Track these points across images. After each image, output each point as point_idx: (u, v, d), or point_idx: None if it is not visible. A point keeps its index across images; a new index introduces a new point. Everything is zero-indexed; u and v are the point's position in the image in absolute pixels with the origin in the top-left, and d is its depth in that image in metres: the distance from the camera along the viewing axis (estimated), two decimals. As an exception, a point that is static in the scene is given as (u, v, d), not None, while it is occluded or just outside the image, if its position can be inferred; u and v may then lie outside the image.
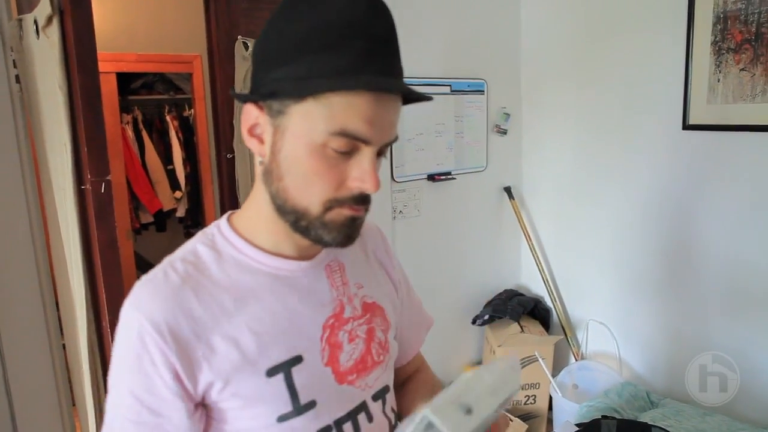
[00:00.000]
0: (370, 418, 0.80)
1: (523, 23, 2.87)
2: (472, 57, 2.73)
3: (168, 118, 3.83)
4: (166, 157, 3.84)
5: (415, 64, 2.50)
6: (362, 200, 0.69)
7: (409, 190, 2.58)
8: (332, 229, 0.69)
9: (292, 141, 0.67)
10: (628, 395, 2.31)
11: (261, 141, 0.70)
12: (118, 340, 0.70)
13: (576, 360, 2.72)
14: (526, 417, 2.61)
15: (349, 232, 0.70)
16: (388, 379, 0.85)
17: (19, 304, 1.73)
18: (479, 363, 2.95)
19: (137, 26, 3.18)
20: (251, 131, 0.71)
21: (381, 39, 0.65)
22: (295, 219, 0.69)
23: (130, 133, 3.67)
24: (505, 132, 2.90)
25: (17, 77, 1.70)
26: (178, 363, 0.66)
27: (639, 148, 2.45)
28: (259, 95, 0.68)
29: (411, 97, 0.69)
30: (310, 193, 0.67)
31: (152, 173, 3.76)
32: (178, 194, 3.83)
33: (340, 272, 0.80)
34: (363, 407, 0.79)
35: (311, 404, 0.72)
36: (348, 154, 0.66)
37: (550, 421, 2.68)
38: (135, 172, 3.65)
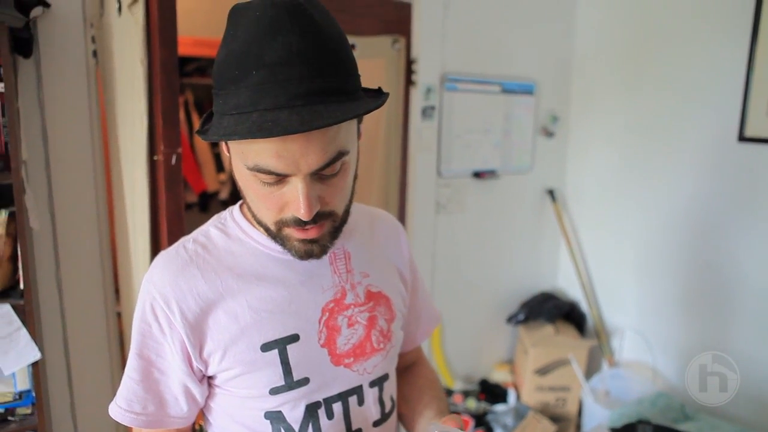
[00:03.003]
0: (360, 402, 0.83)
1: (579, 26, 2.86)
2: (524, 58, 2.74)
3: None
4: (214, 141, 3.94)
5: (465, 63, 2.52)
6: (306, 222, 0.69)
7: (454, 186, 2.60)
8: (290, 246, 0.73)
9: (235, 169, 0.72)
10: (663, 405, 2.29)
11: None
12: (136, 310, 0.78)
13: (609, 367, 2.70)
14: (554, 419, 2.61)
15: (307, 249, 0.72)
16: (389, 367, 0.88)
17: (81, 272, 1.82)
18: (510, 362, 2.96)
19: (197, 10, 3.27)
20: (225, 147, 0.73)
21: (277, 64, 0.60)
22: (264, 229, 0.74)
23: (181, 114, 3.78)
24: (552, 134, 2.90)
25: (94, 52, 1.78)
26: (185, 334, 0.74)
27: (688, 157, 2.42)
28: (200, 131, 0.70)
29: (335, 120, 0.62)
30: (262, 213, 0.72)
31: (199, 155, 3.87)
32: (222, 177, 3.93)
33: (345, 260, 0.83)
34: (356, 391, 0.82)
35: (304, 381, 0.77)
36: (280, 182, 0.67)
37: (578, 427, 2.67)
38: (183, 152, 3.75)
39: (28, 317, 1.51)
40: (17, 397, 1.57)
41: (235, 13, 0.66)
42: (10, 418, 1.57)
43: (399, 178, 2.47)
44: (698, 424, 2.17)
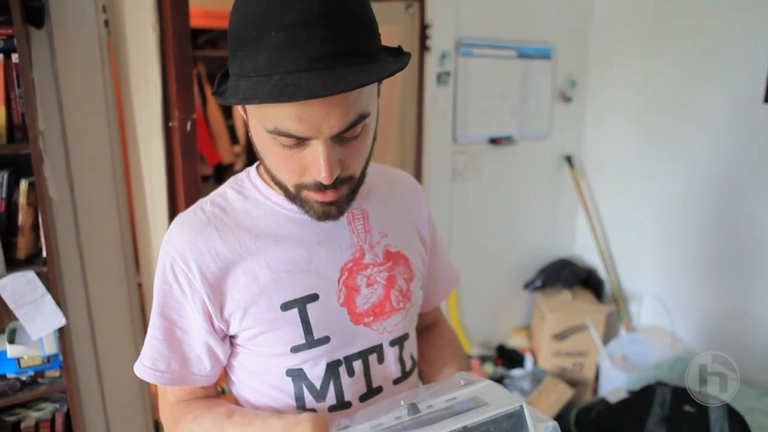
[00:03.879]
0: (381, 360, 0.84)
1: (597, -13, 2.77)
2: (541, 22, 2.67)
3: (230, 74, 3.90)
4: (227, 113, 3.94)
5: (481, 28, 2.46)
6: (327, 186, 0.68)
7: (470, 153, 2.58)
8: (309, 208, 0.72)
9: (253, 132, 0.70)
10: (681, 370, 2.29)
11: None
12: (157, 271, 0.79)
13: (627, 332, 2.69)
14: (571, 384, 2.62)
15: (325, 210, 0.72)
16: (409, 326, 0.88)
17: (101, 240, 1.86)
18: (527, 327, 2.97)
19: (208, -19, 3.24)
20: (242, 108, 0.72)
21: (297, 25, 0.58)
22: (283, 191, 0.74)
23: (194, 87, 3.78)
24: (569, 100, 2.84)
25: (106, 22, 1.78)
26: (205, 293, 0.75)
27: (710, 120, 2.35)
28: (216, 92, 0.69)
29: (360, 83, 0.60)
30: (281, 176, 0.71)
31: (214, 127, 3.87)
32: (237, 149, 3.94)
33: (364, 220, 0.83)
34: (377, 349, 0.83)
35: (324, 339, 0.77)
36: (300, 145, 0.66)
37: (595, 391, 2.68)
38: (198, 125, 3.77)
39: (51, 284, 1.54)
40: (46, 360, 1.62)
41: None
42: (39, 380, 1.63)
43: (414, 146, 2.45)
44: (717, 387, 2.17)
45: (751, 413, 1.69)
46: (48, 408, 1.69)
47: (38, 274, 1.54)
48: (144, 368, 0.78)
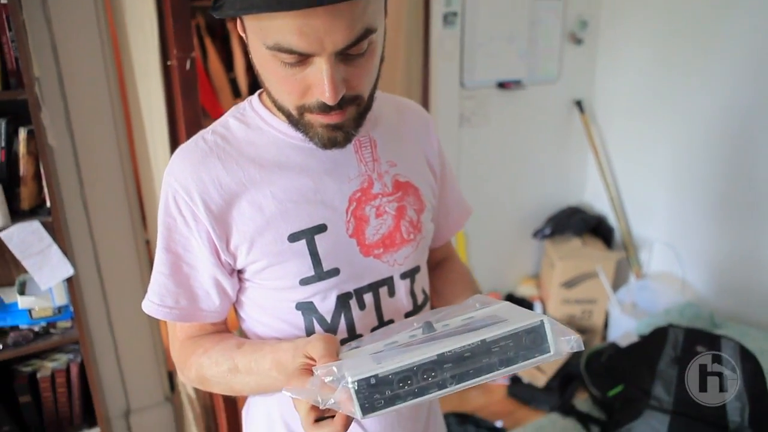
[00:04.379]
0: (391, 293, 0.81)
1: None
2: (552, -44, 2.54)
3: (230, 26, 3.79)
4: (228, 65, 3.84)
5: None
6: (331, 107, 0.64)
7: (478, 98, 2.50)
8: (313, 133, 0.68)
9: (253, 51, 0.66)
10: (691, 315, 2.28)
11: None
12: (160, 205, 0.76)
13: (637, 279, 2.68)
14: (580, 331, 2.63)
15: (331, 136, 0.68)
16: (420, 259, 0.85)
17: (104, 188, 1.83)
18: (536, 276, 2.96)
19: None
20: (241, 26, 0.67)
21: None
22: (286, 116, 0.69)
23: (194, 38, 3.67)
24: (580, 41, 2.74)
25: (97, -40, 1.70)
26: (210, 226, 0.72)
27: (728, 61, 2.26)
28: (213, 7, 0.64)
29: None
30: (283, 98, 0.67)
31: (215, 80, 3.79)
32: (239, 102, 3.86)
33: (371, 148, 0.79)
34: (387, 282, 0.80)
35: (334, 271, 0.75)
36: (302, 63, 0.62)
37: (604, 338, 2.69)
38: (199, 80, 3.68)
39: (57, 234, 1.52)
40: (57, 311, 1.63)
41: None
42: (52, 330, 1.64)
43: (420, 91, 2.38)
44: (728, 332, 2.16)
45: (761, 355, 1.69)
46: (62, 358, 1.70)
47: (43, 225, 1.52)
48: (152, 305, 0.77)
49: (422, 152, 0.88)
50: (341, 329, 0.78)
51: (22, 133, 1.50)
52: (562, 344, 0.57)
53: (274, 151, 0.74)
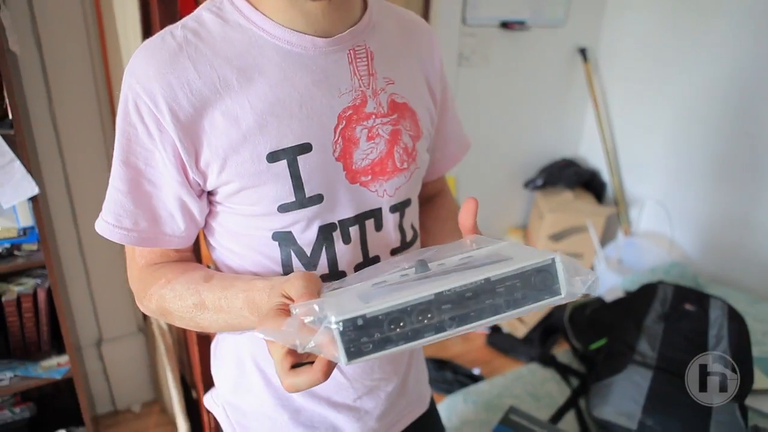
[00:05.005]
0: (378, 227, 0.73)
1: None
2: None
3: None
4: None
5: None
6: None
7: (479, 36, 2.37)
8: None
9: None
10: (676, 274, 2.26)
11: None
12: (118, 111, 0.65)
13: (625, 236, 2.65)
14: (564, 284, 2.61)
15: None
16: (412, 191, 0.77)
17: (75, 99, 1.69)
18: (524, 227, 2.92)
19: None
20: None
21: None
22: None
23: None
24: (591, -17, 2.59)
25: None
26: (177, 137, 0.62)
27: (740, 15, 2.14)
28: None
29: None
30: None
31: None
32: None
33: (368, 60, 0.69)
34: (374, 214, 0.72)
35: (317, 198, 0.67)
36: None
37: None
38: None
39: (20, 148, 1.41)
40: (22, 233, 1.53)
41: None
42: (16, 253, 1.55)
43: (420, 24, 2.23)
44: (711, 293, 2.15)
45: (744, 317, 1.67)
46: (29, 283, 1.62)
47: (5, 138, 1.40)
48: (106, 225, 0.67)
49: (423, 72, 0.77)
50: (322, 264, 0.70)
51: (-21, 35, 1.35)
52: (576, 285, 0.50)
53: (255, 52, 0.64)
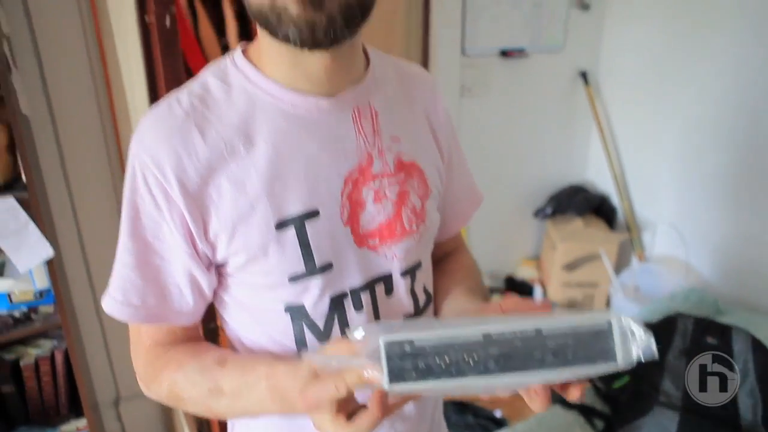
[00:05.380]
0: (389, 291, 0.72)
1: None
2: None
3: (220, -14, 3.61)
4: (220, 31, 3.68)
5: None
6: None
7: (480, 67, 2.39)
8: (288, 20, 0.55)
9: None
10: (696, 300, 2.23)
11: None
12: (125, 181, 0.65)
13: (640, 262, 2.62)
14: (580, 313, 2.58)
15: (309, 19, 0.54)
16: (423, 253, 0.76)
17: (86, 159, 1.71)
18: (537, 257, 2.90)
19: None
20: None
21: None
22: (259, 18, 0.57)
23: (182, 1, 3.49)
24: (587, 7, 2.60)
25: None
26: (185, 208, 0.62)
27: (741, 34, 2.14)
28: None
29: None
30: None
31: (206, 46, 3.62)
32: (230, 68, 3.71)
33: (372, 119, 0.68)
34: (384, 279, 0.71)
35: (327, 266, 0.66)
36: None
37: (604, 321, 2.65)
38: (188, 42, 3.51)
39: (34, 211, 1.41)
40: (38, 295, 1.53)
41: None
42: (33, 316, 1.55)
43: (420, 58, 2.26)
44: (734, 318, 2.12)
45: (768, 343, 1.64)
46: (46, 345, 1.61)
47: (19, 201, 1.41)
48: (114, 302, 0.66)
49: (429, 126, 0.77)
50: (334, 336, 0.69)
51: (-7, 101, 1.37)
52: (633, 351, 0.49)
53: (260, 117, 0.63)
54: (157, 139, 0.61)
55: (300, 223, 0.64)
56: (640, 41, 2.55)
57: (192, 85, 0.66)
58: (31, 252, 1.44)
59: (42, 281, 1.51)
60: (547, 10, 2.49)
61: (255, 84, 0.64)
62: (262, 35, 0.63)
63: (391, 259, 0.71)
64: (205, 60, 3.62)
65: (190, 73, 3.73)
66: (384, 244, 0.69)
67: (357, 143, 0.67)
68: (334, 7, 0.54)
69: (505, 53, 2.43)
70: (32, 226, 1.43)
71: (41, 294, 1.53)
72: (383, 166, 0.68)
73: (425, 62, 2.27)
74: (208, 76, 0.66)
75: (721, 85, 2.26)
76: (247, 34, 3.83)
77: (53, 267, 1.47)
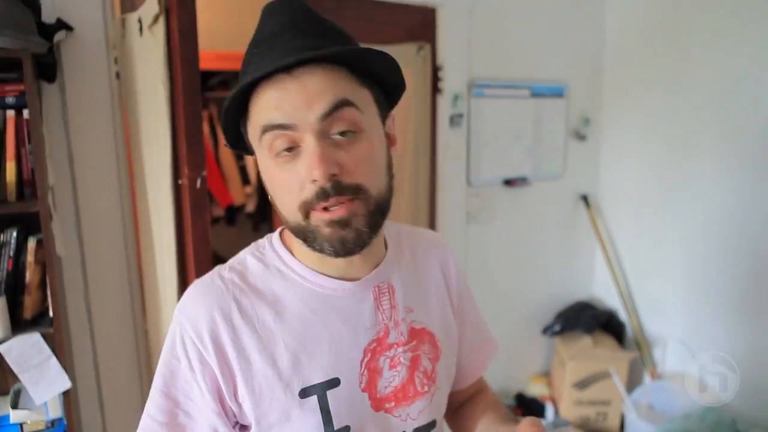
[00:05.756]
0: None
1: (608, 27, 2.76)
2: (554, 61, 2.65)
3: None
4: (239, 154, 3.93)
5: (493, 68, 2.45)
6: (328, 194, 0.62)
7: (484, 195, 2.53)
8: (321, 238, 0.65)
9: (260, 163, 0.69)
10: (712, 421, 2.18)
11: None
12: (165, 342, 0.72)
13: (652, 379, 2.58)
14: (596, 435, 2.51)
15: (339, 237, 0.64)
16: (435, 412, 0.80)
17: (110, 299, 1.81)
18: (547, 374, 2.86)
19: (219, 25, 3.27)
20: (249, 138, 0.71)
21: (273, 35, 0.65)
22: (296, 233, 0.68)
23: (206, 128, 3.78)
24: (584, 137, 2.80)
25: (117, 74, 1.77)
26: (218, 369, 0.68)
27: (733, 153, 2.29)
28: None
29: (335, 59, 0.64)
30: (286, 205, 0.66)
31: (225, 169, 3.87)
32: (248, 189, 3.91)
33: (389, 295, 0.76)
34: None
35: (344, 429, 0.71)
36: (294, 151, 0.64)
37: (620, 441, 2.56)
38: (209, 167, 3.76)
39: (58, 345, 1.49)
40: (49, 425, 1.56)
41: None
42: (42, 446, 1.56)
43: (428, 189, 2.40)
44: (752, 442, 2.06)
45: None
46: (53, 472, 1.61)
47: (44, 335, 1.49)
48: None
49: (440, 289, 0.84)
50: None
51: (32, 242, 1.50)
52: None
53: (292, 296, 0.72)
54: (197, 308, 0.70)
55: (322, 391, 0.70)
56: (636, 165, 2.71)
57: (234, 263, 0.75)
58: (50, 385, 1.50)
59: (55, 410, 1.54)
60: (547, 142, 2.69)
61: (288, 266, 0.74)
62: None
63: (405, 419, 0.76)
64: (223, 180, 3.85)
65: (208, 192, 3.90)
66: (399, 406, 0.75)
67: (376, 318, 0.74)
68: (360, 221, 0.64)
69: (508, 182, 2.58)
70: (54, 360, 1.49)
71: (53, 423, 1.56)
72: (398, 335, 0.75)
73: (433, 193, 2.41)
74: (247, 255, 0.76)
75: (720, 202, 2.36)
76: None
77: (68, 398, 1.52)
